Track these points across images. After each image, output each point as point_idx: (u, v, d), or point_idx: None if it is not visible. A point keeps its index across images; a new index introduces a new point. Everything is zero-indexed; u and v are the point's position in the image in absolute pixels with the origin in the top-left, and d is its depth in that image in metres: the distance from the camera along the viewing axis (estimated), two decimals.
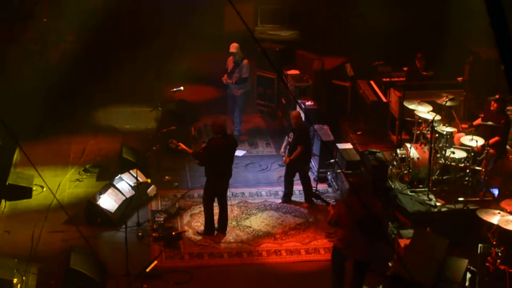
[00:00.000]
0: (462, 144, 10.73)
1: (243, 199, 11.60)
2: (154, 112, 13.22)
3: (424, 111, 11.10)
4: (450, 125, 11.02)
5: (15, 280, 8.90)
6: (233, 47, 13.16)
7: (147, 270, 8.75)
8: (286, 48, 15.01)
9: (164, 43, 16.32)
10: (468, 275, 8.95)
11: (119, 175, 11.12)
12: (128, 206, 10.59)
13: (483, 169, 10.51)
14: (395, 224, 10.35)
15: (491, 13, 3.24)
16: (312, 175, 11.89)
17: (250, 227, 10.85)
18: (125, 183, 11.05)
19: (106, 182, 11.11)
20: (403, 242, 9.33)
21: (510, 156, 11.16)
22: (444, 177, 10.82)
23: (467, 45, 13.91)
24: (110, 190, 10.84)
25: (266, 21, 18.41)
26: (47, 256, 9.90)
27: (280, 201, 11.55)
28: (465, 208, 10.43)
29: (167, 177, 12.05)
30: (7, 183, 11.38)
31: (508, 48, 3.28)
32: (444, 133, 10.71)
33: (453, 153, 10.66)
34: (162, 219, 10.72)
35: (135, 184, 10.84)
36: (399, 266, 8.54)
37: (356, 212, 8.47)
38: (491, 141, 10.63)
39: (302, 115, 11.91)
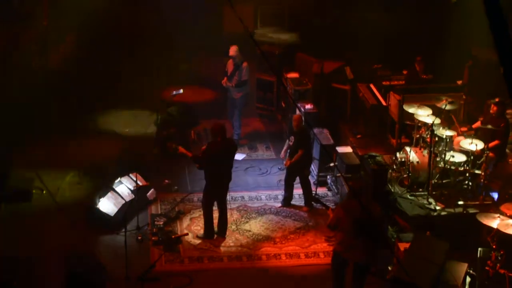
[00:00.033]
0: (461, 148, 10.73)
1: (242, 203, 11.59)
2: (154, 115, 13.21)
3: (423, 114, 11.10)
4: (449, 129, 11.02)
5: None
6: (233, 50, 13.16)
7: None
8: (286, 51, 15.00)
9: (163, 44, 16.32)
10: (468, 279, 8.94)
11: (119, 179, 11.12)
12: (127, 209, 10.58)
13: (483, 173, 10.51)
14: (394, 228, 10.35)
15: (490, 15, 3.24)
16: (311, 179, 11.89)
17: (249, 231, 10.84)
18: (124, 186, 11.04)
19: (106, 185, 11.10)
20: (402, 246, 9.33)
21: (510, 160, 11.15)
22: (443, 181, 10.82)
23: (467, 48, 13.92)
24: (110, 194, 10.84)
25: (266, 23, 18.41)
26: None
27: (279, 205, 11.54)
28: (464, 212, 10.43)
29: (166, 181, 12.05)
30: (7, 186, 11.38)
31: (507, 50, 3.28)
32: (444, 136, 10.72)
33: (453, 156, 10.66)
34: (161, 222, 10.72)
35: (135, 187, 10.83)
36: (399, 269, 8.53)
37: (355, 216, 8.47)
38: (491, 144, 10.64)
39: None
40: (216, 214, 10.63)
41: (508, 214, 9.19)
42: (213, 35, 16.72)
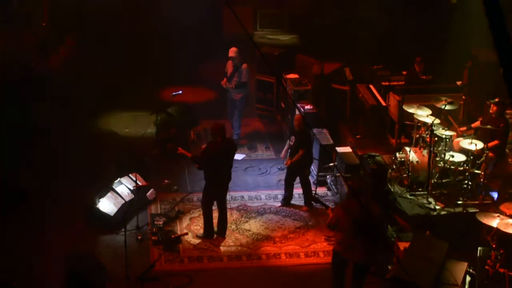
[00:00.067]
0: (461, 149, 10.74)
1: (242, 203, 11.60)
2: (153, 116, 13.21)
3: (423, 114, 11.12)
4: (449, 129, 11.04)
5: None
6: (232, 51, 13.16)
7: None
8: (286, 52, 15.02)
9: (163, 45, 16.34)
10: (468, 278, 8.95)
11: (119, 179, 11.13)
12: (127, 209, 10.59)
13: (483, 173, 10.52)
14: (394, 228, 10.36)
15: (490, 15, 3.26)
16: (311, 179, 11.90)
17: (249, 230, 10.86)
18: (124, 186, 11.06)
19: (106, 185, 11.11)
20: (402, 246, 9.35)
21: (510, 160, 11.17)
22: (443, 181, 10.83)
23: (467, 48, 13.93)
24: (110, 194, 10.85)
25: (266, 25, 18.43)
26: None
27: (279, 204, 11.56)
28: (464, 211, 10.44)
29: (166, 181, 12.06)
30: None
31: (507, 50, 3.30)
32: (443, 136, 10.73)
33: (452, 156, 10.67)
34: (161, 222, 10.73)
35: (135, 187, 10.85)
36: (399, 269, 8.54)
37: (355, 216, 8.48)
38: (490, 144, 10.65)
39: None
40: (215, 214, 10.64)
41: (507, 214, 9.21)
42: (212, 35, 16.74)
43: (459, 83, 13.15)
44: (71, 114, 13.24)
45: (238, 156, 12.41)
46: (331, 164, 11.93)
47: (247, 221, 11.09)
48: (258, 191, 12.00)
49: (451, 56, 13.32)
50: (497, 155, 10.84)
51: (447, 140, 10.77)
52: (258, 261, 10.16)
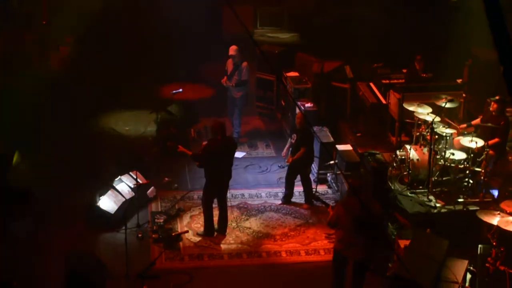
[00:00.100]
0: (461, 147, 10.75)
1: (243, 201, 11.61)
2: (154, 114, 13.22)
3: (423, 112, 11.12)
4: (449, 127, 11.05)
5: None
6: (233, 49, 13.16)
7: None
8: (286, 51, 15.03)
9: (163, 45, 16.33)
10: (468, 275, 8.95)
11: (119, 177, 11.14)
12: (128, 207, 10.60)
13: (483, 170, 10.52)
14: (395, 225, 10.37)
15: (490, 15, 3.26)
16: (312, 177, 11.91)
17: (250, 228, 10.87)
18: (124, 184, 11.07)
19: (106, 183, 11.12)
20: (403, 243, 9.35)
21: (510, 157, 11.17)
22: (443, 178, 10.83)
23: (467, 46, 13.93)
24: (110, 192, 10.86)
25: (266, 23, 18.43)
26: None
27: (280, 202, 11.56)
28: (465, 209, 10.44)
29: (166, 179, 12.07)
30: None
31: (507, 49, 3.30)
32: (444, 134, 10.73)
33: (453, 154, 10.68)
34: (162, 220, 10.73)
35: (135, 185, 10.85)
36: (399, 266, 8.55)
37: (355, 213, 8.49)
38: (491, 142, 10.65)
39: None
40: (216, 212, 10.65)
41: (508, 211, 9.21)
42: (212, 35, 16.73)
43: (459, 81, 13.15)
44: (71, 114, 13.27)
45: (238, 154, 12.42)
46: (332, 162, 11.94)
47: (247, 219, 11.10)
48: (259, 189, 12.01)
49: (451, 54, 13.32)
50: (498, 153, 10.85)
51: (448, 138, 10.77)
52: (258, 259, 10.17)
